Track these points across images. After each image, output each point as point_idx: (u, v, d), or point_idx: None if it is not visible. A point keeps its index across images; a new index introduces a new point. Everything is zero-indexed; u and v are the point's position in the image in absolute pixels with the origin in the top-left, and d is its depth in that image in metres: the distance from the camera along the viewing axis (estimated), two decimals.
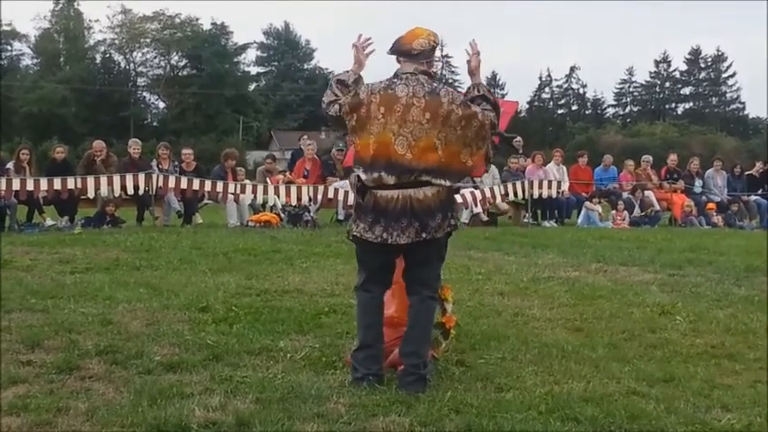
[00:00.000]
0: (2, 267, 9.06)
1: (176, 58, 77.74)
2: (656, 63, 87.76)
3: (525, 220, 18.09)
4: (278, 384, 4.88)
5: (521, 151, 19.65)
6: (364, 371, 5.00)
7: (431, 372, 5.14)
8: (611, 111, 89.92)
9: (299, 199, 15.96)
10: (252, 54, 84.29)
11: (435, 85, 5.05)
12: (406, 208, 4.93)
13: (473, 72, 5.25)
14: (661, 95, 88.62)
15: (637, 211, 18.84)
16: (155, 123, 76.79)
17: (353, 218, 5.18)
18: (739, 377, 5.41)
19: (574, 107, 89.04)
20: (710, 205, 19.45)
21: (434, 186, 4.96)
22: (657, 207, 19.19)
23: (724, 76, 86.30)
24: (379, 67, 5.56)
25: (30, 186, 14.69)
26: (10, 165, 15.55)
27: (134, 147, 16.92)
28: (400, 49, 5.10)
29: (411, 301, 5.16)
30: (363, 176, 5.02)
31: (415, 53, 5.05)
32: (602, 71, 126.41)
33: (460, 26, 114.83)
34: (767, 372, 5.52)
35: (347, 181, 15.91)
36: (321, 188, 16.24)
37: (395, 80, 5.05)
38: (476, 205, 16.98)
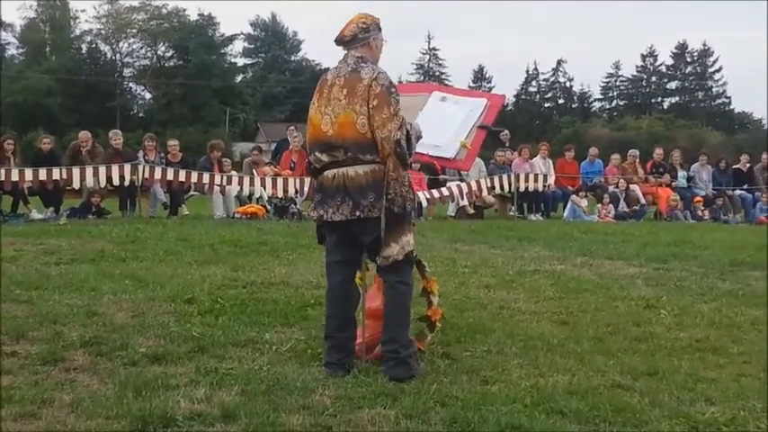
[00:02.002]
0: None
1: (163, 48, 77.42)
2: (643, 57, 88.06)
3: (511, 214, 18.11)
4: (263, 376, 4.88)
5: (507, 144, 19.71)
6: (327, 358, 5.15)
7: (413, 352, 5.16)
8: (597, 104, 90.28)
9: (285, 191, 15.94)
10: (239, 45, 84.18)
11: (363, 64, 5.10)
12: (339, 185, 5.04)
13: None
14: (647, 89, 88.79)
15: (622, 205, 18.89)
16: (141, 114, 76.50)
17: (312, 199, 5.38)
18: (723, 371, 5.44)
19: (560, 101, 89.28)
20: (698, 199, 19.52)
21: (368, 165, 5.00)
22: (643, 201, 19.25)
23: (710, 70, 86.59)
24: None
25: (14, 177, 14.62)
26: None
27: (115, 138, 16.88)
28: (337, 40, 5.26)
29: (383, 288, 5.23)
30: (311, 159, 5.24)
31: (347, 40, 5.21)
32: (588, 65, 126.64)
33: (449, 19, 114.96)
34: (752, 365, 5.56)
35: None
36: (307, 180, 16.19)
37: (330, 67, 5.30)
38: (462, 198, 17.01)
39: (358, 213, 4.99)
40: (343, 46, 5.23)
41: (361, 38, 5.19)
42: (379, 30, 5.29)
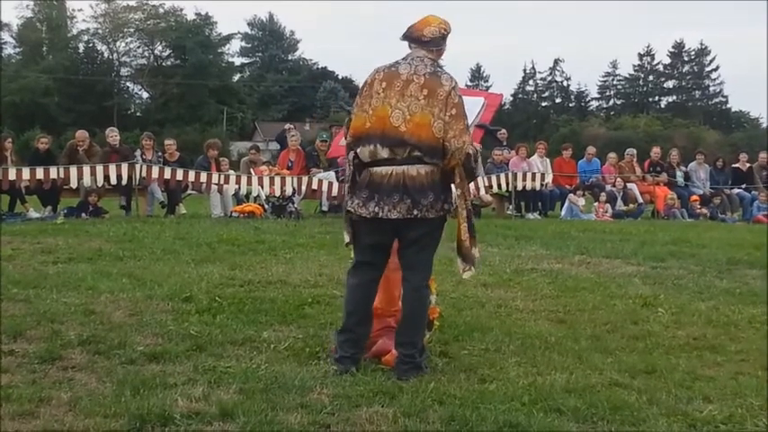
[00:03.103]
0: None
1: (160, 48, 77.35)
2: (640, 56, 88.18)
3: (509, 212, 18.11)
4: (261, 375, 4.88)
5: (505, 143, 19.69)
6: (341, 353, 5.13)
7: (427, 356, 5.24)
8: (594, 103, 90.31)
9: (282, 190, 15.92)
10: (236, 45, 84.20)
11: (439, 69, 5.11)
12: (398, 184, 4.99)
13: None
14: (644, 88, 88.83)
15: (619, 204, 18.89)
16: (138, 113, 76.45)
17: (349, 195, 5.25)
18: (721, 369, 5.45)
19: (558, 100, 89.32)
20: (695, 197, 19.52)
21: (428, 165, 5.00)
22: (641, 200, 19.24)
23: (707, 69, 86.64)
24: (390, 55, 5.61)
25: (12, 176, 14.61)
26: None
27: (111, 135, 16.82)
28: (411, 36, 5.21)
29: (403, 289, 5.24)
30: (359, 151, 5.10)
31: (426, 40, 5.16)
32: (585, 64, 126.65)
33: (446, 17, 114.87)
34: (750, 363, 5.57)
35: (331, 172, 15.98)
36: (305, 179, 16.21)
37: (400, 61, 5.17)
38: None
39: (416, 212, 5.00)
40: (418, 45, 5.17)
41: (437, 42, 5.18)
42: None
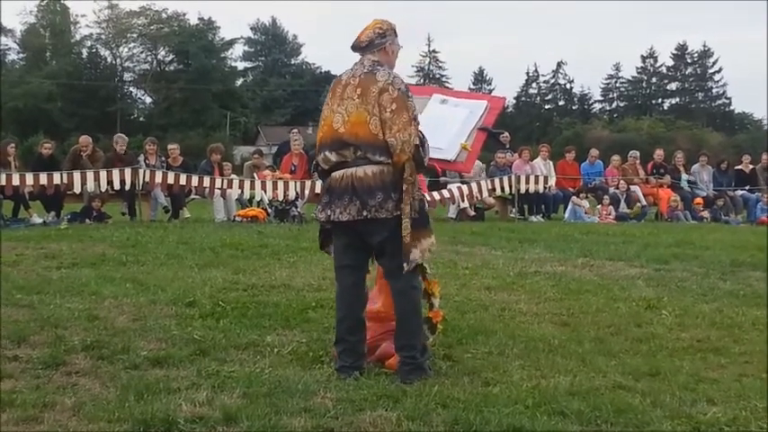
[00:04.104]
0: None
1: (163, 53, 77.40)
2: (643, 58, 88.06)
3: (512, 215, 18.10)
4: (265, 379, 4.88)
5: (507, 146, 19.68)
6: (341, 362, 5.15)
7: (430, 357, 5.26)
8: (597, 106, 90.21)
9: (285, 194, 15.93)
10: (239, 49, 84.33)
11: (378, 67, 5.15)
12: (348, 186, 5.05)
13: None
14: (647, 91, 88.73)
15: (623, 206, 18.87)
16: (141, 118, 76.50)
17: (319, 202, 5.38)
18: (725, 371, 5.44)
19: (561, 102, 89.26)
20: (698, 200, 19.49)
21: (377, 165, 5.02)
22: (644, 202, 19.22)
23: (710, 71, 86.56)
24: None
25: (15, 181, 14.62)
26: None
27: (119, 143, 16.85)
28: (353, 46, 5.31)
29: (392, 294, 5.26)
30: (318, 160, 5.27)
31: (363, 45, 5.26)
32: (588, 67, 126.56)
33: (449, 21, 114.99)
34: (754, 366, 5.56)
35: None
36: (308, 183, 16.20)
37: (347, 69, 5.28)
38: (462, 200, 16.99)
39: (365, 213, 5.00)
40: (360, 51, 5.26)
41: (377, 43, 5.23)
42: (395, 35, 5.34)
